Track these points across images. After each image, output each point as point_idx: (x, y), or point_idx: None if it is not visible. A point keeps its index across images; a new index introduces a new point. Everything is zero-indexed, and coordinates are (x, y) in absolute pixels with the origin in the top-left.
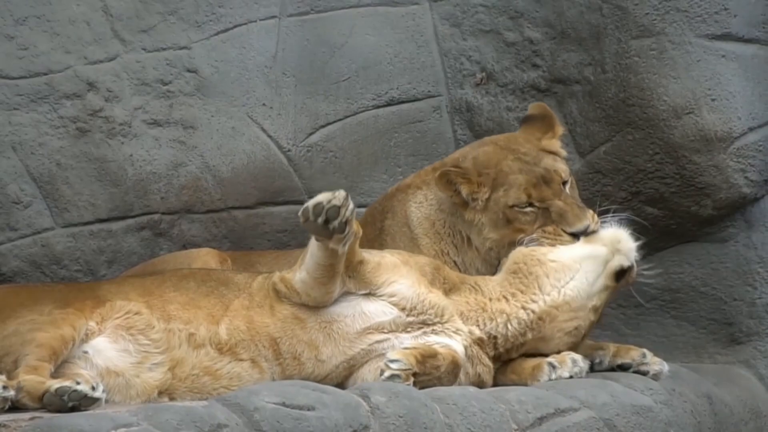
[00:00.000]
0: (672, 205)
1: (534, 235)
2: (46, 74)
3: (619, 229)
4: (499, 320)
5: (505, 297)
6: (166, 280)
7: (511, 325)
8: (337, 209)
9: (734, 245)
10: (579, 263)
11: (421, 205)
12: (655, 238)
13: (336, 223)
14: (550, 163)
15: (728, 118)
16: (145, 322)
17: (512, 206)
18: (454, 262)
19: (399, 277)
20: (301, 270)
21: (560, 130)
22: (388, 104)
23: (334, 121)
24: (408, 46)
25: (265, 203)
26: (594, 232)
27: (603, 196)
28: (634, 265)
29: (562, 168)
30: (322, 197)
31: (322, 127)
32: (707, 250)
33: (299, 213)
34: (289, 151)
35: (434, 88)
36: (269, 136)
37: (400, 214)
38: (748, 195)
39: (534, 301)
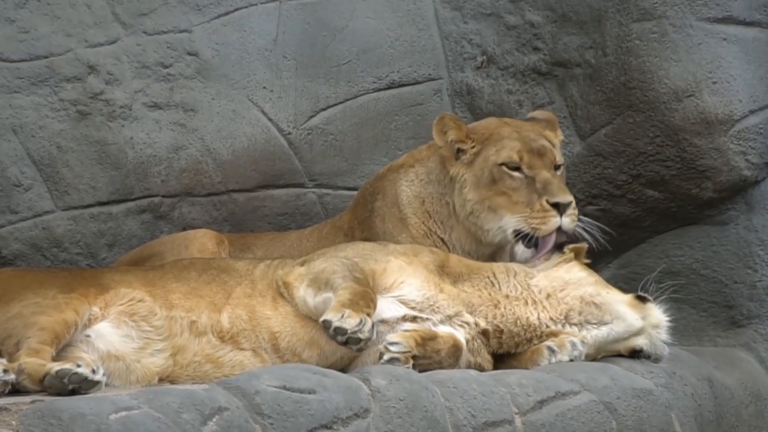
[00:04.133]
0: (673, 187)
1: (524, 227)
2: (46, 57)
3: (664, 315)
4: (509, 317)
5: (525, 300)
6: (167, 271)
7: (520, 324)
8: (359, 340)
9: (735, 228)
10: (613, 318)
11: (412, 183)
12: (655, 221)
13: (354, 347)
14: (547, 143)
15: (729, 101)
16: (147, 309)
17: (501, 164)
18: (442, 239)
19: (407, 277)
20: (308, 291)
21: (561, 135)
22: (389, 87)
23: (335, 104)
24: (409, 30)
25: (266, 186)
26: (568, 214)
27: (603, 179)
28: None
29: (558, 153)
30: (348, 325)
31: (323, 110)
32: (708, 233)
33: (321, 319)
34: (289, 134)
35: (435, 71)
36: (270, 119)
37: (390, 194)
38: (749, 178)
39: (554, 322)
